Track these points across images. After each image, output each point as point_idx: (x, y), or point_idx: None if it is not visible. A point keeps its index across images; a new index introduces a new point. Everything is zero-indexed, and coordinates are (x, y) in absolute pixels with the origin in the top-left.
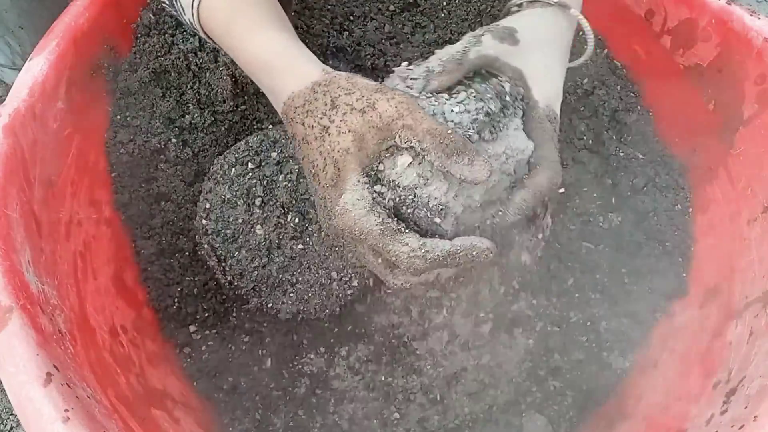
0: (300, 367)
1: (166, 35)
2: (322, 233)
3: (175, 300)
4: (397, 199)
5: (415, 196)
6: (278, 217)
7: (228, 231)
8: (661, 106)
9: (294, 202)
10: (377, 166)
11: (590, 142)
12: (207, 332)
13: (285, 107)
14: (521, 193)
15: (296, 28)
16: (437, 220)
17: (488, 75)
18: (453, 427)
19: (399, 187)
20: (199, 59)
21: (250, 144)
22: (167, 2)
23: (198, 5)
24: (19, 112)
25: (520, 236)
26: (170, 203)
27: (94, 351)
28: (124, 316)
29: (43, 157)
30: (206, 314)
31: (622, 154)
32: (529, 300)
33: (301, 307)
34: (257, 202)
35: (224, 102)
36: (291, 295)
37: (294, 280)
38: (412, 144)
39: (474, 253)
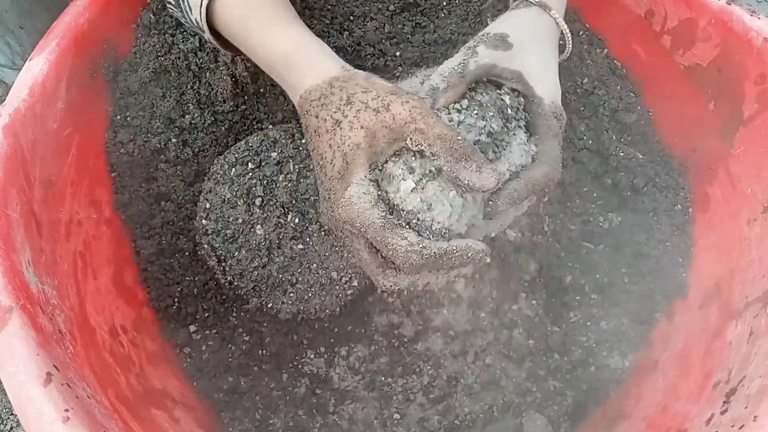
0: (300, 367)
1: (166, 35)
2: (322, 233)
3: (175, 300)
4: (403, 223)
5: (418, 220)
6: (278, 217)
7: (228, 231)
8: (661, 106)
9: (294, 202)
10: (382, 171)
11: (590, 142)
12: (207, 332)
13: (301, 100)
14: (513, 183)
15: None
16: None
17: (488, 84)
18: (453, 427)
19: (403, 211)
20: (199, 59)
21: (250, 144)
22: (173, 2)
23: (208, 4)
24: (19, 112)
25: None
26: (170, 203)
27: (94, 351)
28: (124, 316)
29: (43, 157)
30: (206, 314)
31: (622, 154)
32: (529, 300)
33: (301, 307)
34: (257, 202)
35: (224, 102)
36: (291, 295)
37: (294, 280)
38: (422, 147)
39: (469, 254)
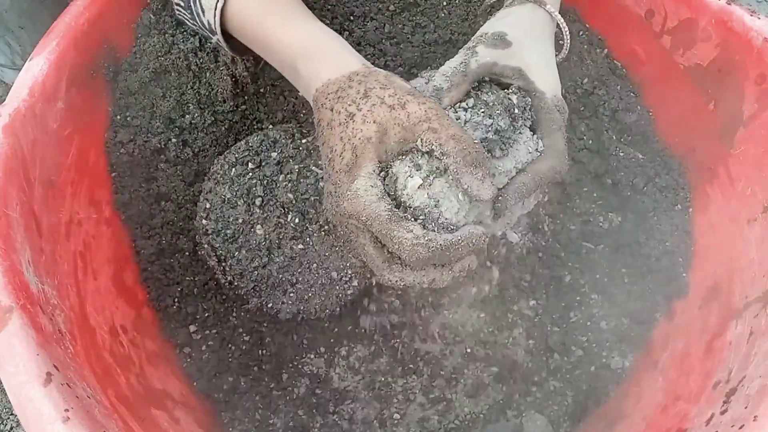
0: (300, 367)
1: (166, 35)
2: (322, 233)
3: (175, 300)
4: (409, 216)
5: (426, 216)
6: (278, 217)
7: (228, 231)
8: (661, 106)
9: (294, 202)
10: (388, 171)
11: (590, 142)
12: (207, 332)
13: (317, 93)
14: (521, 177)
15: None
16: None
17: (492, 84)
18: (453, 427)
19: (410, 207)
20: (199, 59)
21: (250, 144)
22: (182, 4)
23: (223, 6)
24: (19, 112)
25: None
26: (170, 203)
27: (94, 351)
28: (124, 316)
29: (43, 157)
30: (206, 314)
31: (622, 154)
32: (529, 300)
33: (301, 307)
34: (257, 202)
35: (224, 102)
36: (291, 295)
37: (294, 280)
38: (432, 147)
39: (473, 241)
